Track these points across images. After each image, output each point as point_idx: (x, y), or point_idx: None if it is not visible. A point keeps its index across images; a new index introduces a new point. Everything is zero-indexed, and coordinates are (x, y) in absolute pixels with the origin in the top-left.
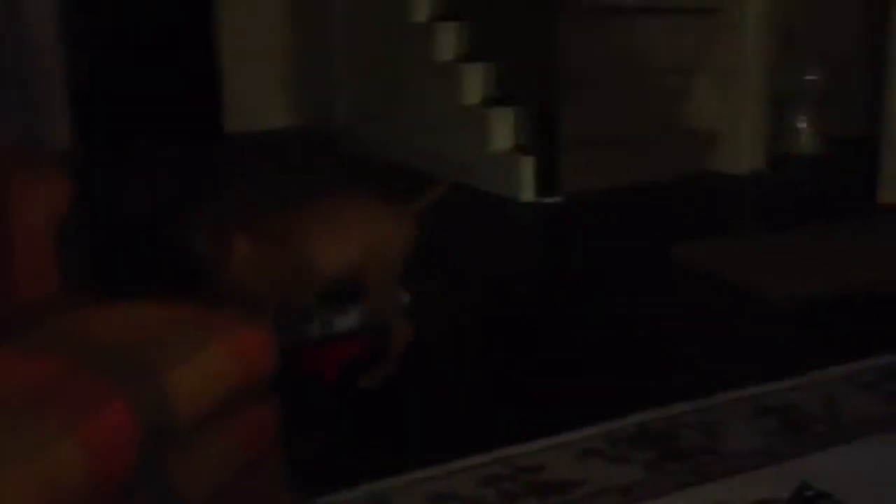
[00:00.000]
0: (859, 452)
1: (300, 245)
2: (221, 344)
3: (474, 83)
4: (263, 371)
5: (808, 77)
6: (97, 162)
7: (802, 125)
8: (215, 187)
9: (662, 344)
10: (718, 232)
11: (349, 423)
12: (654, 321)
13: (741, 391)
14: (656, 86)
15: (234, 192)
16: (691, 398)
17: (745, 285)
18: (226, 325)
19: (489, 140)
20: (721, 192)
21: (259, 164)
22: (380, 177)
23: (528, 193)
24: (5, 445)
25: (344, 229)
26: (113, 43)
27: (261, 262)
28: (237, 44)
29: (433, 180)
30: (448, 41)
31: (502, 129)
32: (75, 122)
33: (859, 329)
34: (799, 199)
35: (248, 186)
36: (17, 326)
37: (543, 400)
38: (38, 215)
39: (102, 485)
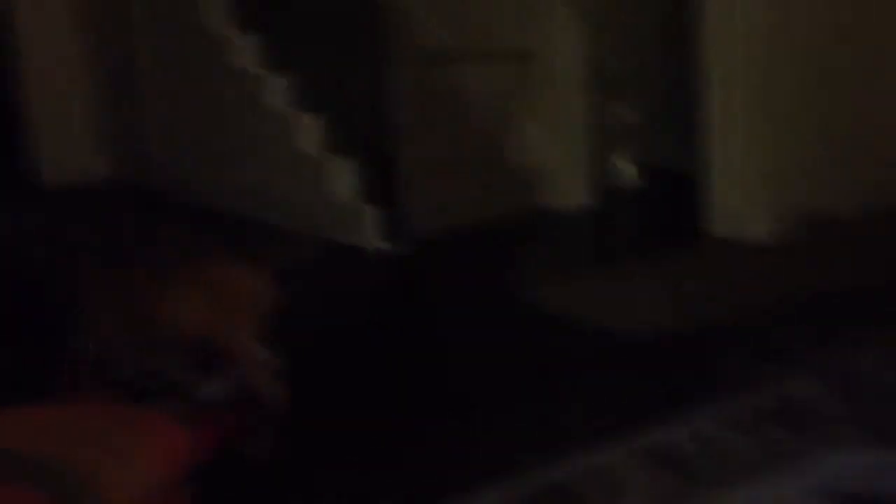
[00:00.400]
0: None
1: (159, 308)
2: (149, 445)
3: (311, 133)
4: (184, 463)
5: (626, 114)
6: None
7: (623, 160)
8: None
9: (528, 392)
10: (559, 269)
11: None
12: (515, 367)
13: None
14: (487, 128)
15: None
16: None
17: (595, 323)
18: (151, 428)
19: (331, 190)
20: (556, 228)
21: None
22: (224, 230)
23: (374, 241)
24: None
25: (204, 290)
26: None
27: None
28: (44, 95)
29: (288, 238)
30: (278, 91)
31: (344, 179)
32: None
33: (710, 365)
34: (628, 233)
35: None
36: None
37: (423, 463)
38: None
39: None
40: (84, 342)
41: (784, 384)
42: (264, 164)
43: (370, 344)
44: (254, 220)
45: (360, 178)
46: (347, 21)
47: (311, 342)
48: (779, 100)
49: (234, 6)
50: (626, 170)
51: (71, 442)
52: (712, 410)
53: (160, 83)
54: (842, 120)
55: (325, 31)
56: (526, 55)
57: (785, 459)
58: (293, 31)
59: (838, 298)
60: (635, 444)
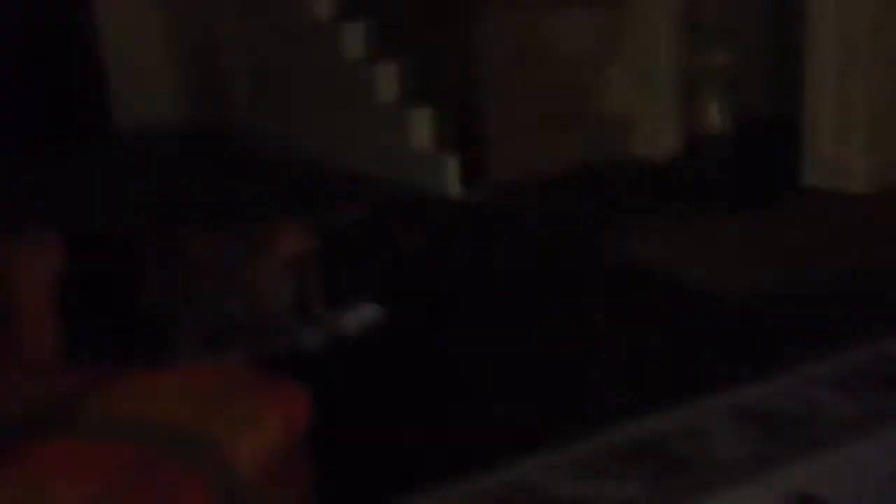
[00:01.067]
0: (845, 455)
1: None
2: (271, 409)
3: (389, 81)
4: (303, 425)
5: (718, 58)
6: None
7: (714, 107)
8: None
9: (619, 350)
10: (647, 220)
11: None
12: (605, 325)
13: (718, 398)
14: (571, 76)
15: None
16: (668, 407)
17: (690, 280)
18: (271, 393)
19: (410, 138)
20: (642, 177)
21: (157, 167)
22: (298, 180)
23: (454, 189)
24: None
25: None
26: None
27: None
28: (121, 38)
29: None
30: (356, 40)
31: (422, 127)
32: None
33: (813, 324)
34: (721, 183)
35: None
36: (59, 411)
37: (512, 415)
38: (37, 276)
39: None
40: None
41: (885, 342)
42: (344, 113)
43: (444, 294)
44: (334, 168)
45: (441, 126)
46: None
47: (384, 293)
48: (881, 45)
49: None
50: (719, 117)
51: (197, 408)
52: (810, 368)
53: (240, 32)
54: None
55: None
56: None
57: (878, 419)
58: None
59: None
60: (728, 401)
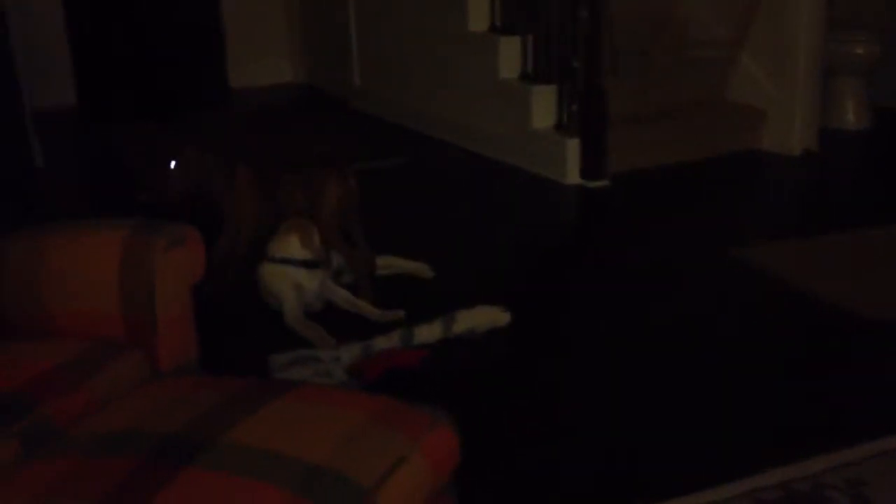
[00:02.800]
0: None
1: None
2: (420, 453)
3: (512, 56)
4: (452, 465)
5: (858, 49)
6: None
7: (852, 101)
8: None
9: (756, 372)
10: (778, 223)
11: None
12: (737, 341)
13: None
14: (702, 60)
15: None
16: (832, 449)
17: (828, 298)
18: (419, 429)
19: (530, 118)
20: (774, 175)
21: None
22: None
23: (573, 176)
24: None
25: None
26: (114, 5)
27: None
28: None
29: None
30: (482, 11)
31: (544, 107)
32: (79, 85)
33: None
34: (859, 185)
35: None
36: (200, 436)
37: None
38: (177, 283)
39: None
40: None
41: None
42: (463, 90)
43: (564, 285)
44: (450, 144)
45: (562, 109)
46: None
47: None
48: None
49: None
50: (857, 112)
51: (340, 446)
52: None
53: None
54: None
55: None
56: None
57: None
58: None
59: None
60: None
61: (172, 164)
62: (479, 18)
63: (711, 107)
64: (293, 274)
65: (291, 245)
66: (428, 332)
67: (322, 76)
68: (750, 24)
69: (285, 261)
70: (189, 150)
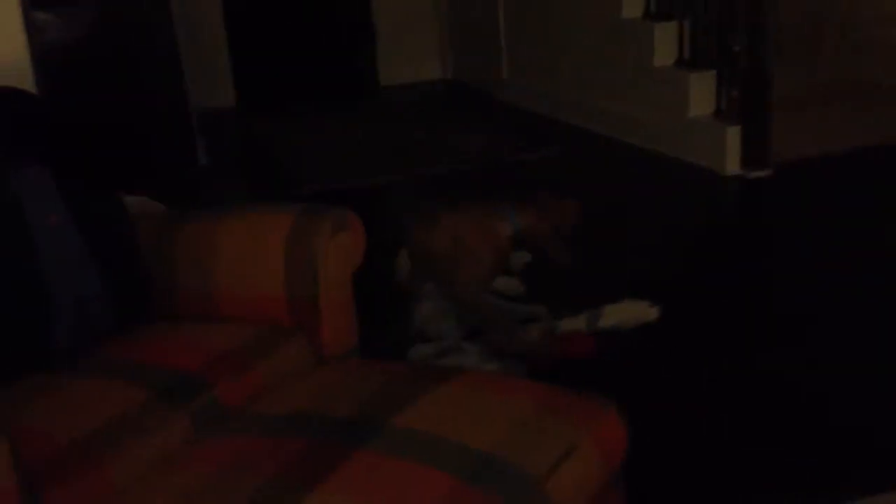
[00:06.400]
0: None
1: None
2: (589, 442)
3: (667, 42)
4: (621, 454)
5: None
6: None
7: None
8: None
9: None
10: None
11: None
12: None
13: None
14: (876, 38)
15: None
16: None
17: None
18: (588, 417)
19: (687, 105)
20: None
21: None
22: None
23: (733, 165)
24: None
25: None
26: (270, 7)
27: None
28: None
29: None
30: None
31: (701, 93)
32: (238, 84)
33: None
34: None
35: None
36: (366, 420)
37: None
38: (341, 269)
39: None
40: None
41: None
42: (616, 78)
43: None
44: (601, 134)
45: (721, 95)
46: None
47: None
48: None
49: None
50: None
51: (509, 433)
52: None
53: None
54: None
55: None
56: None
57: None
58: None
59: None
60: None
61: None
62: (632, 5)
63: (886, 89)
64: None
65: None
66: (572, 327)
67: (469, 71)
68: None
69: None
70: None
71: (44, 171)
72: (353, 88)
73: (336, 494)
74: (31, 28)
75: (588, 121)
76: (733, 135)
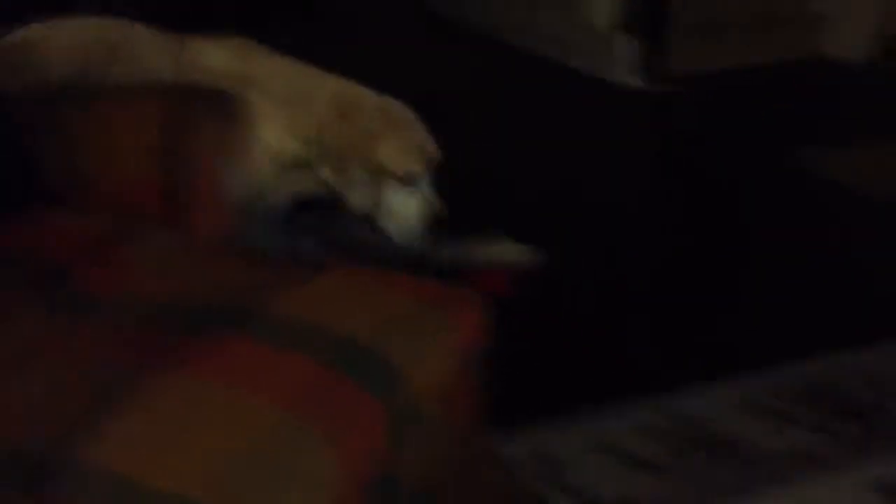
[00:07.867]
0: None
1: None
2: (452, 333)
3: None
4: (480, 347)
5: None
6: None
7: None
8: None
9: (819, 276)
10: (843, 131)
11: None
12: (801, 248)
13: None
14: None
15: None
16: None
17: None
18: (450, 308)
19: (585, 14)
20: (836, 81)
21: None
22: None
23: (633, 79)
24: (270, 456)
25: None
26: None
27: None
28: None
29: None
30: None
31: (601, 5)
32: None
33: None
34: None
35: None
36: (237, 308)
37: (688, 341)
38: (215, 155)
39: (351, 498)
40: None
41: None
42: None
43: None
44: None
45: (620, 5)
46: None
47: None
48: None
49: None
50: None
51: (382, 326)
52: None
53: None
54: None
55: None
56: None
57: None
58: None
59: None
60: None
61: None
62: None
63: (773, 12)
64: None
65: None
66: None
67: None
68: None
69: None
70: None
71: None
72: None
73: (197, 378)
74: None
75: (496, 29)
76: (630, 47)
